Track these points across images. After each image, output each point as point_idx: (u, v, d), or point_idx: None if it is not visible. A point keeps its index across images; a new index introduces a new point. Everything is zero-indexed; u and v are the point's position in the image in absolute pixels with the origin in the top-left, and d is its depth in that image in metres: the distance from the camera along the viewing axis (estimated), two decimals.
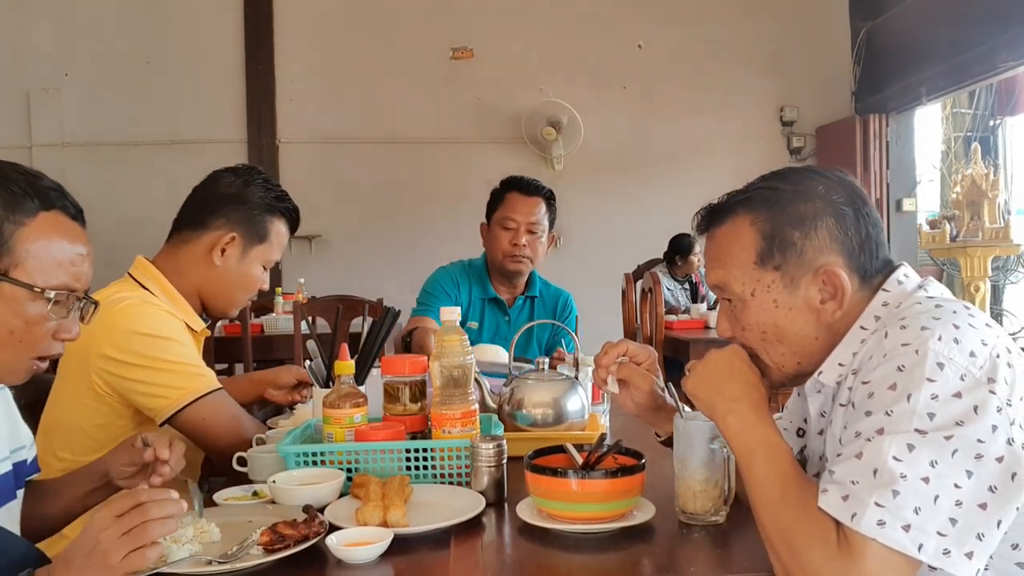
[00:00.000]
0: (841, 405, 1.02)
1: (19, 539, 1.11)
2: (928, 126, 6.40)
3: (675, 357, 3.90)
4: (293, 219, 1.79)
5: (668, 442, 1.34)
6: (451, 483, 1.35)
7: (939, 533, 0.85)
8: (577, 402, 1.61)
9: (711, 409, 1.08)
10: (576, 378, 1.66)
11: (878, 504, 0.86)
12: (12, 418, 1.25)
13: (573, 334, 1.99)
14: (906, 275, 1.07)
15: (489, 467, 1.28)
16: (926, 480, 0.86)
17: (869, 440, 0.90)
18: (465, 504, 1.22)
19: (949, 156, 6.98)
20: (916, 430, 0.88)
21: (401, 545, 1.10)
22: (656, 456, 1.31)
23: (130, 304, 1.57)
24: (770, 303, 1.07)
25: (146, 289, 1.65)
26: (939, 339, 0.91)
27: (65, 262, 1.10)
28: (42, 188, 1.09)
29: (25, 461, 1.26)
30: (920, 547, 0.84)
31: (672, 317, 4.38)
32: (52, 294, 1.08)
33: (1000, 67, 4.48)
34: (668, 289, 5.27)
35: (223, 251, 1.68)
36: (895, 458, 0.87)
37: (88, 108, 5.51)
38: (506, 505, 1.28)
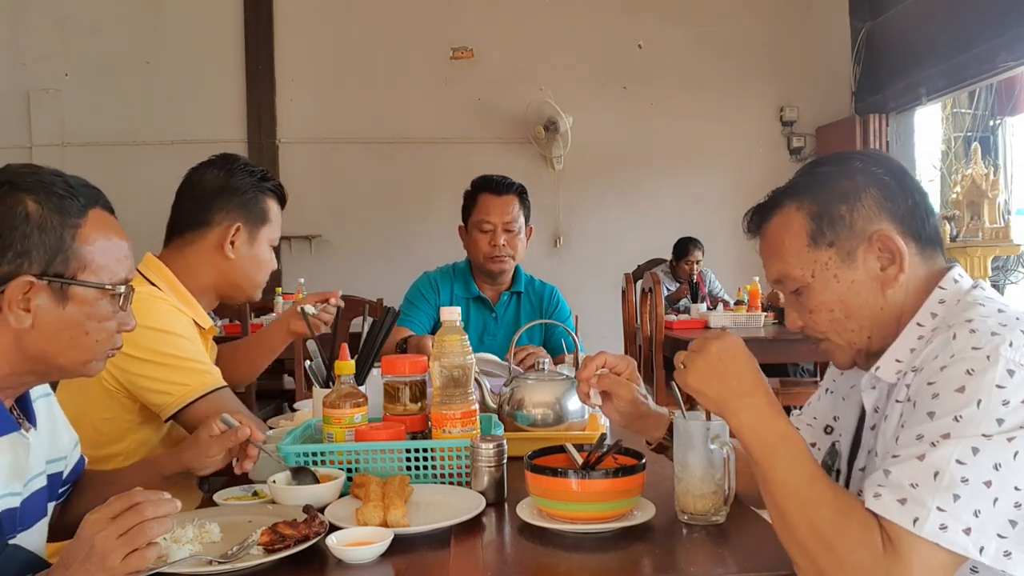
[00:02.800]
0: (897, 401, 1.02)
1: (20, 549, 1.11)
2: (928, 126, 6.40)
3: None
4: (281, 196, 1.82)
5: (658, 449, 1.34)
6: (451, 483, 1.35)
7: (999, 535, 0.86)
8: (577, 402, 1.61)
9: (720, 405, 1.04)
10: (576, 378, 1.66)
11: (940, 508, 0.86)
12: (54, 425, 1.24)
13: (573, 334, 1.98)
14: (960, 275, 1.08)
15: (489, 467, 1.28)
16: (988, 484, 0.86)
17: (934, 444, 0.89)
18: (465, 504, 1.22)
19: (949, 156, 6.98)
20: (983, 435, 0.88)
21: (401, 545, 1.10)
22: (656, 456, 1.31)
23: (139, 298, 1.58)
24: (831, 280, 1.07)
25: (154, 285, 1.66)
26: (1010, 345, 0.91)
27: (121, 256, 1.13)
28: (78, 186, 1.11)
29: (61, 474, 1.26)
30: (981, 550, 0.85)
31: (672, 317, 4.39)
32: (122, 289, 1.11)
33: (1000, 67, 4.48)
34: (668, 289, 5.27)
35: (232, 243, 1.70)
36: (959, 461, 0.87)
37: (88, 108, 5.52)
38: (506, 505, 1.28)
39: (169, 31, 5.59)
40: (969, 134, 6.91)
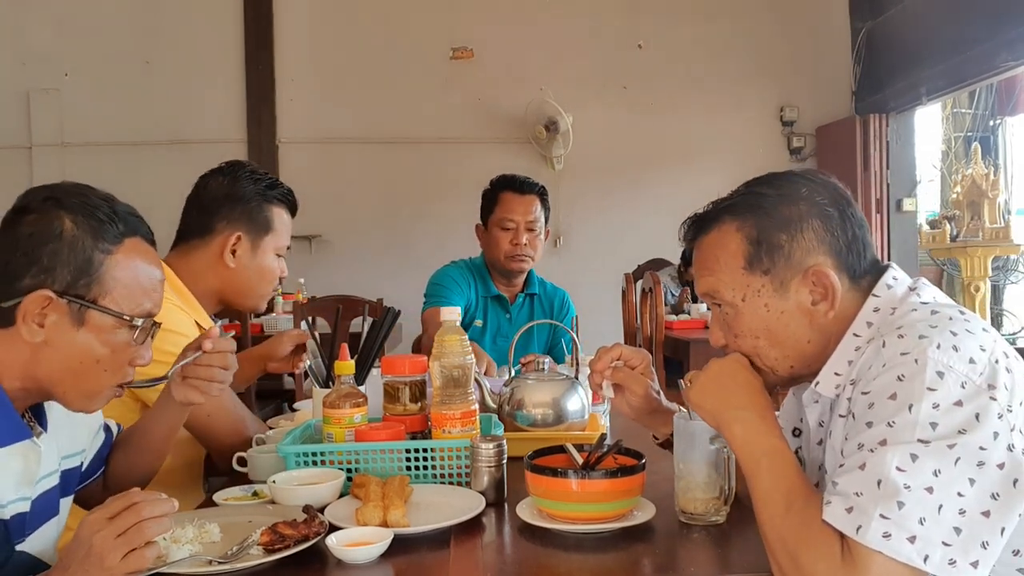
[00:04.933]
0: (840, 416, 1.02)
1: (24, 554, 1.11)
2: (928, 126, 6.40)
3: (675, 357, 3.90)
4: (291, 202, 1.81)
5: (665, 444, 1.34)
6: (451, 483, 1.35)
7: (944, 543, 0.84)
8: (577, 402, 1.61)
9: (716, 419, 1.07)
10: (576, 378, 1.66)
11: (883, 516, 0.85)
12: (71, 420, 1.23)
13: (573, 334, 1.98)
14: (895, 278, 1.07)
15: (489, 467, 1.28)
16: (930, 490, 0.85)
17: (872, 451, 0.89)
18: (465, 504, 1.22)
19: (949, 156, 6.98)
20: (919, 440, 0.87)
21: (401, 545, 1.10)
22: (656, 456, 1.31)
23: None
24: (761, 307, 1.07)
25: None
26: (938, 347, 0.91)
27: (149, 289, 1.11)
28: (122, 212, 1.10)
29: (79, 467, 1.26)
30: (926, 558, 0.84)
31: (672, 317, 4.38)
32: (140, 322, 1.09)
33: (1000, 67, 4.47)
34: (673, 293, 5.25)
35: (233, 252, 1.70)
36: (898, 468, 0.87)
37: (88, 108, 5.51)
38: (506, 505, 1.28)
39: (169, 31, 5.58)
40: (969, 134, 6.90)
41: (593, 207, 5.87)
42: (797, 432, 1.25)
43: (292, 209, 1.82)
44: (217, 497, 1.33)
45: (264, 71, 5.68)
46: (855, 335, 1.04)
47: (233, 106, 5.67)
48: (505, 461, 1.30)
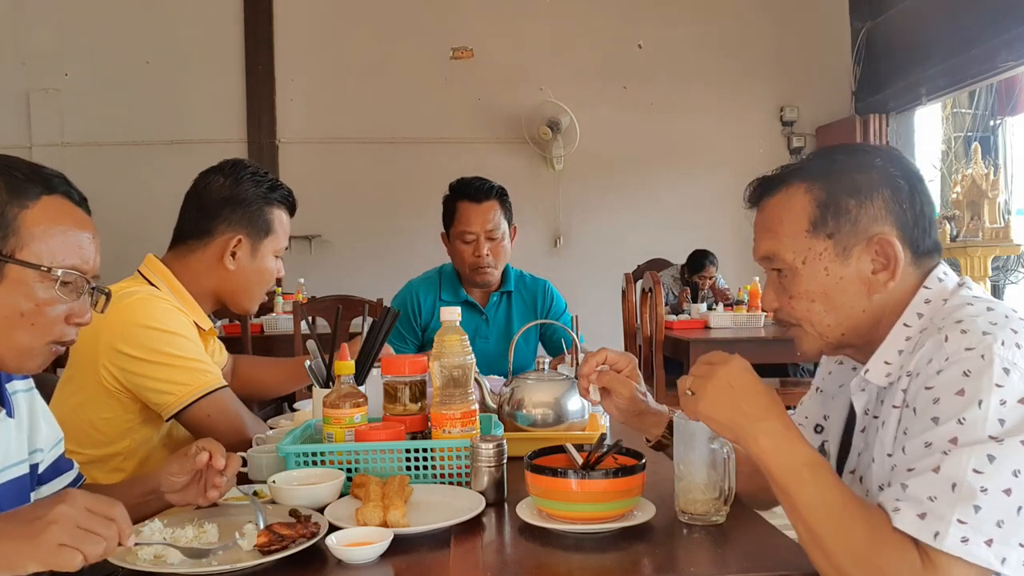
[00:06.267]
0: (895, 406, 1.01)
1: None
2: (928, 126, 6.40)
3: (675, 357, 3.90)
4: (291, 204, 1.80)
5: (657, 447, 1.34)
6: (451, 483, 1.35)
7: (1021, 544, 0.85)
8: (577, 402, 1.61)
9: (736, 432, 1.02)
10: (576, 378, 1.66)
11: (960, 521, 0.85)
12: (35, 419, 1.23)
13: (573, 333, 1.97)
14: (945, 273, 1.07)
15: (489, 467, 1.28)
16: (1008, 492, 0.85)
17: (945, 453, 0.88)
18: (465, 504, 1.22)
19: (949, 156, 6.97)
20: (991, 437, 0.87)
21: (401, 545, 1.10)
22: (656, 456, 1.31)
23: (139, 297, 1.58)
24: (821, 271, 1.06)
25: (154, 286, 1.66)
26: (1002, 344, 0.91)
27: (71, 244, 1.09)
28: (45, 175, 1.10)
29: (37, 466, 1.25)
30: (1003, 560, 0.84)
31: (672, 317, 4.39)
32: (60, 273, 1.07)
33: (1000, 67, 4.48)
34: (674, 294, 5.25)
35: (234, 254, 1.70)
36: (975, 471, 0.86)
37: (88, 108, 5.51)
38: (506, 505, 1.28)
39: (169, 31, 5.59)
40: (969, 134, 6.90)
41: (593, 207, 5.87)
42: (819, 428, 1.25)
43: (292, 210, 1.81)
44: None
45: (264, 71, 5.69)
46: (905, 325, 1.04)
47: (233, 106, 5.67)
48: (505, 461, 1.30)
